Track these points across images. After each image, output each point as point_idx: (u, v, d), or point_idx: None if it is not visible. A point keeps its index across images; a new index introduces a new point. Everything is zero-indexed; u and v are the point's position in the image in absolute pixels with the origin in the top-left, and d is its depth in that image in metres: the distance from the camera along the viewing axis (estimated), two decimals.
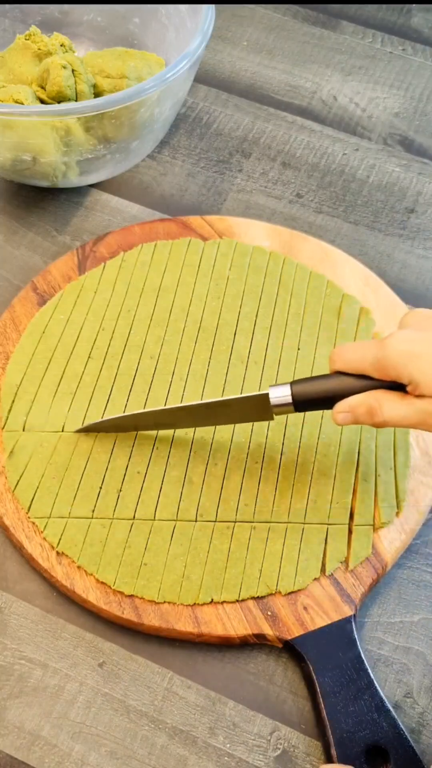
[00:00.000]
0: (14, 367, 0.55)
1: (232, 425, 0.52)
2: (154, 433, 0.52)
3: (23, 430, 0.52)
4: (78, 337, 0.56)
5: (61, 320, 0.57)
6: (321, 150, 0.70)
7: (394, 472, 0.51)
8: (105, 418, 0.52)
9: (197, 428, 0.52)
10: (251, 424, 0.53)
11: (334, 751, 0.43)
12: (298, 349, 0.56)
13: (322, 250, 0.61)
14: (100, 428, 0.52)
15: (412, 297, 0.62)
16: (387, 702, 0.44)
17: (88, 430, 0.52)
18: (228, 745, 0.44)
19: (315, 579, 0.48)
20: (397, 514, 0.50)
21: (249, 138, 0.71)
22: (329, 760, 0.43)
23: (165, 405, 0.53)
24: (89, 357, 0.56)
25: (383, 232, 0.65)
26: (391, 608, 0.49)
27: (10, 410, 0.53)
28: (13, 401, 0.53)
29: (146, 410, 0.51)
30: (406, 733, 0.43)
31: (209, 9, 0.61)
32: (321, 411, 0.53)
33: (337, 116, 0.73)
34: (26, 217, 0.65)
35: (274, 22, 0.79)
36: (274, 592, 0.47)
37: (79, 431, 0.52)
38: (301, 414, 0.53)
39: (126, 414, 0.52)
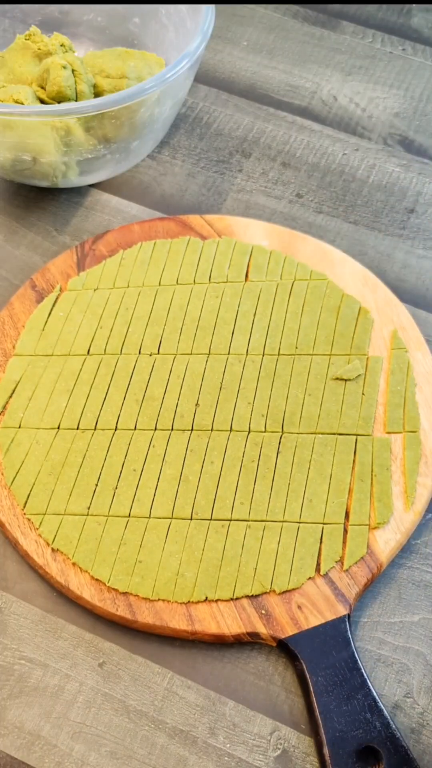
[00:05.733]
0: (15, 363, 0.55)
1: (230, 424, 0.53)
2: (150, 431, 0.52)
3: (19, 426, 0.53)
4: (76, 334, 0.57)
5: (60, 317, 0.57)
6: (321, 150, 0.70)
7: (403, 471, 0.51)
8: None
9: (192, 427, 0.52)
10: (248, 423, 0.53)
11: (326, 750, 0.43)
12: (296, 347, 0.56)
13: (321, 250, 0.61)
14: None
15: (412, 297, 0.62)
16: (380, 702, 0.44)
17: None
18: (228, 745, 0.45)
19: (310, 578, 0.48)
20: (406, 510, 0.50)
21: (249, 138, 0.71)
22: (321, 759, 0.43)
23: (162, 402, 0.53)
24: (87, 355, 0.56)
25: (383, 232, 0.65)
26: (391, 608, 0.49)
27: (6, 406, 0.53)
28: (11, 397, 0.54)
29: None
30: (399, 733, 0.43)
31: (209, 9, 0.61)
32: (318, 410, 0.53)
33: (337, 116, 0.73)
34: (26, 217, 0.65)
35: (274, 22, 0.79)
36: (268, 590, 0.47)
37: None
38: (299, 413, 0.53)
39: None
